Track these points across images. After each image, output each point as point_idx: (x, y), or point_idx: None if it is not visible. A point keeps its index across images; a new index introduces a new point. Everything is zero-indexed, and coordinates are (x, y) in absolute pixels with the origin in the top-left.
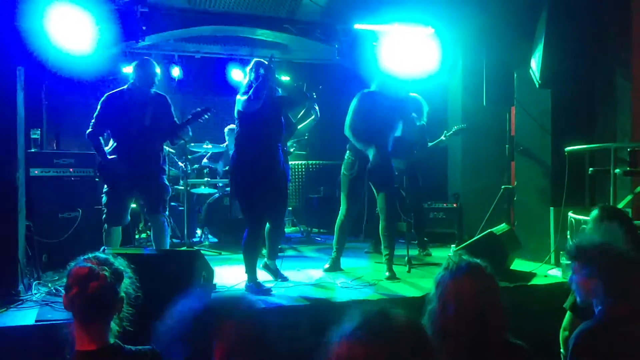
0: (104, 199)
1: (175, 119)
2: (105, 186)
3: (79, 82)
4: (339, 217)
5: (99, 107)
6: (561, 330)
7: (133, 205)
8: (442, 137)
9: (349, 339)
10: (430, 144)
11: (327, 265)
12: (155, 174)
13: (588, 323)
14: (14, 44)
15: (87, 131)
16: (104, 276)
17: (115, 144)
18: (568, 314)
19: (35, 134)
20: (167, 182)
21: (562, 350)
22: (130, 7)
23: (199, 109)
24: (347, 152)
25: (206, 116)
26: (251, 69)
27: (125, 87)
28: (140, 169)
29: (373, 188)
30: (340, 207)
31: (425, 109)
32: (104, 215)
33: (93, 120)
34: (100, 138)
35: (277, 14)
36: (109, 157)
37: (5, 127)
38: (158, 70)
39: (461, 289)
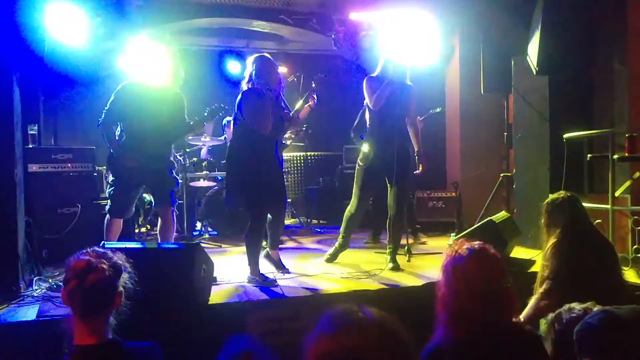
0: (110, 190)
1: (186, 116)
2: (112, 177)
3: (75, 77)
4: (348, 209)
5: (113, 97)
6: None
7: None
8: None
9: (319, 336)
10: None
11: (327, 256)
12: (165, 168)
13: None
14: (10, 40)
15: (99, 120)
16: (102, 269)
17: (125, 137)
18: None
19: (33, 130)
20: (175, 176)
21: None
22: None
23: (214, 106)
24: (364, 142)
25: (220, 113)
26: (252, 62)
27: (140, 80)
28: (151, 164)
29: (387, 180)
30: (352, 199)
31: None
32: (108, 207)
33: (106, 109)
34: (113, 127)
35: (272, 4)
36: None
37: (2, 123)
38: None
39: (468, 272)
